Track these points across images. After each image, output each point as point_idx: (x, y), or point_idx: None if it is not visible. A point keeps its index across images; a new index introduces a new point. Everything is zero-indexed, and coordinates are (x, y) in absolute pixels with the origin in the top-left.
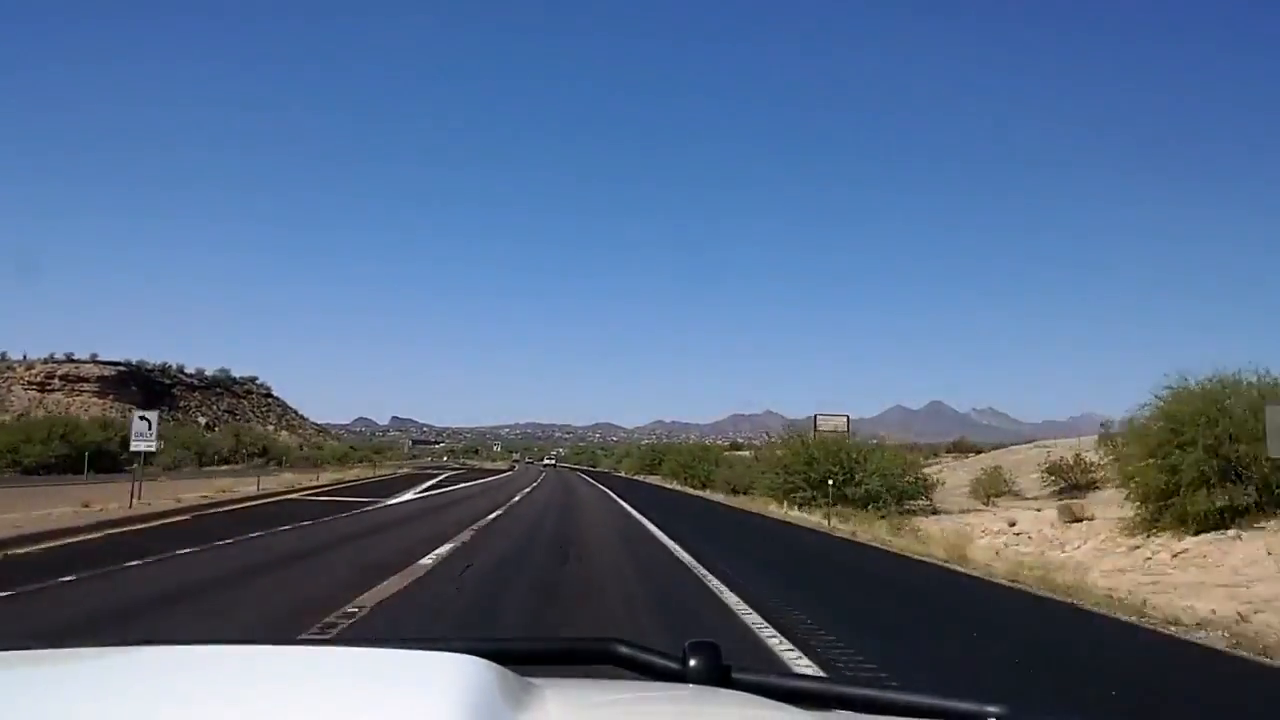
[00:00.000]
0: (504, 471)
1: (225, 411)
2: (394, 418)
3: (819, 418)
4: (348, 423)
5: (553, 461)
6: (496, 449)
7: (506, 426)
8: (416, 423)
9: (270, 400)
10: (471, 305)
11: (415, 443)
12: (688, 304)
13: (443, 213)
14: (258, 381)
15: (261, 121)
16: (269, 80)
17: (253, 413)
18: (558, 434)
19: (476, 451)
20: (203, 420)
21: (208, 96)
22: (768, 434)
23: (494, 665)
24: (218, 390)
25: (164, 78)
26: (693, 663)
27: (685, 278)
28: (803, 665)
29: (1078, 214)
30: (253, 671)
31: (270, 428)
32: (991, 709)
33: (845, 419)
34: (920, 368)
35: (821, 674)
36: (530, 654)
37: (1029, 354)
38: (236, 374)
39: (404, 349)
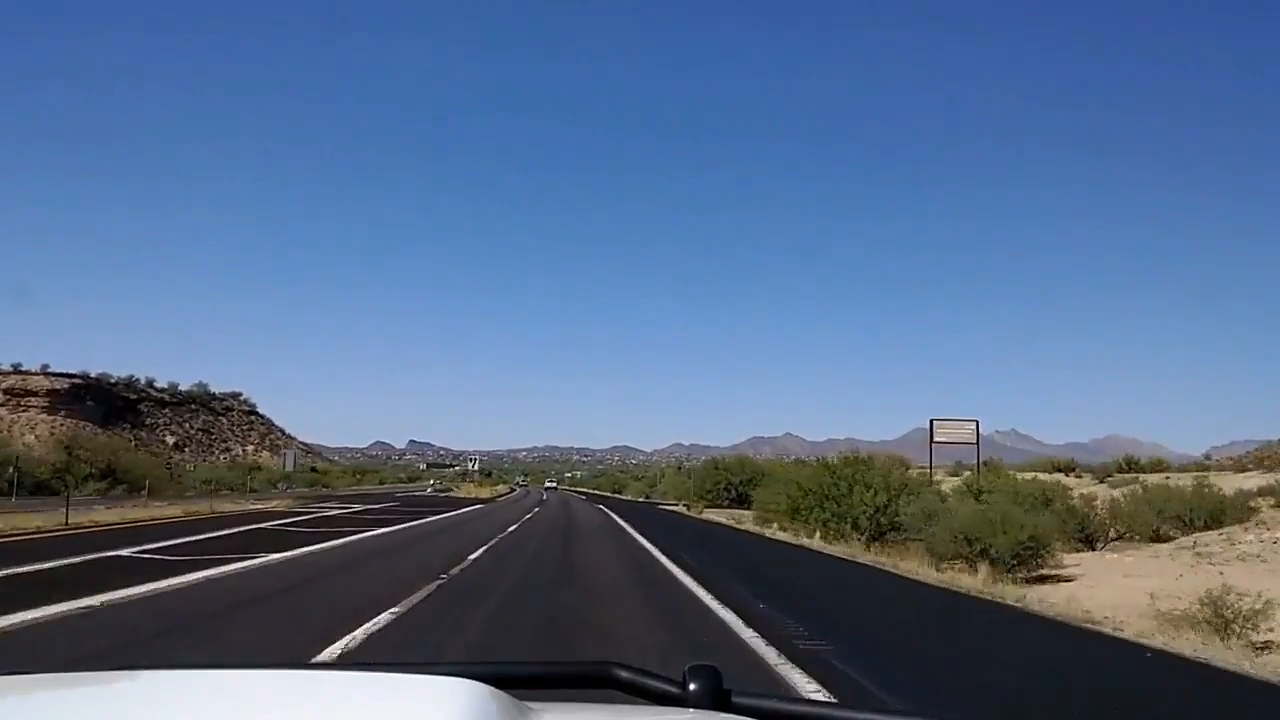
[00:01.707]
0: (474, 504)
1: (199, 430)
2: (411, 441)
3: (936, 425)
4: (365, 446)
5: (554, 485)
6: (472, 467)
7: (524, 450)
8: (434, 446)
9: (254, 418)
10: (489, 330)
11: (430, 465)
12: (706, 327)
13: (459, 237)
14: (241, 398)
15: (271, 153)
16: (278, 101)
17: (232, 432)
18: (575, 457)
19: (489, 474)
20: (171, 440)
21: (217, 100)
22: None
23: (491, 689)
24: (192, 407)
25: (168, 72)
26: (693, 686)
27: (703, 301)
28: None
29: (1100, 234)
30: (251, 695)
31: (250, 448)
32: None
33: (974, 425)
34: (941, 390)
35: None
36: (529, 678)
37: (1051, 376)
38: (217, 389)
39: (423, 373)
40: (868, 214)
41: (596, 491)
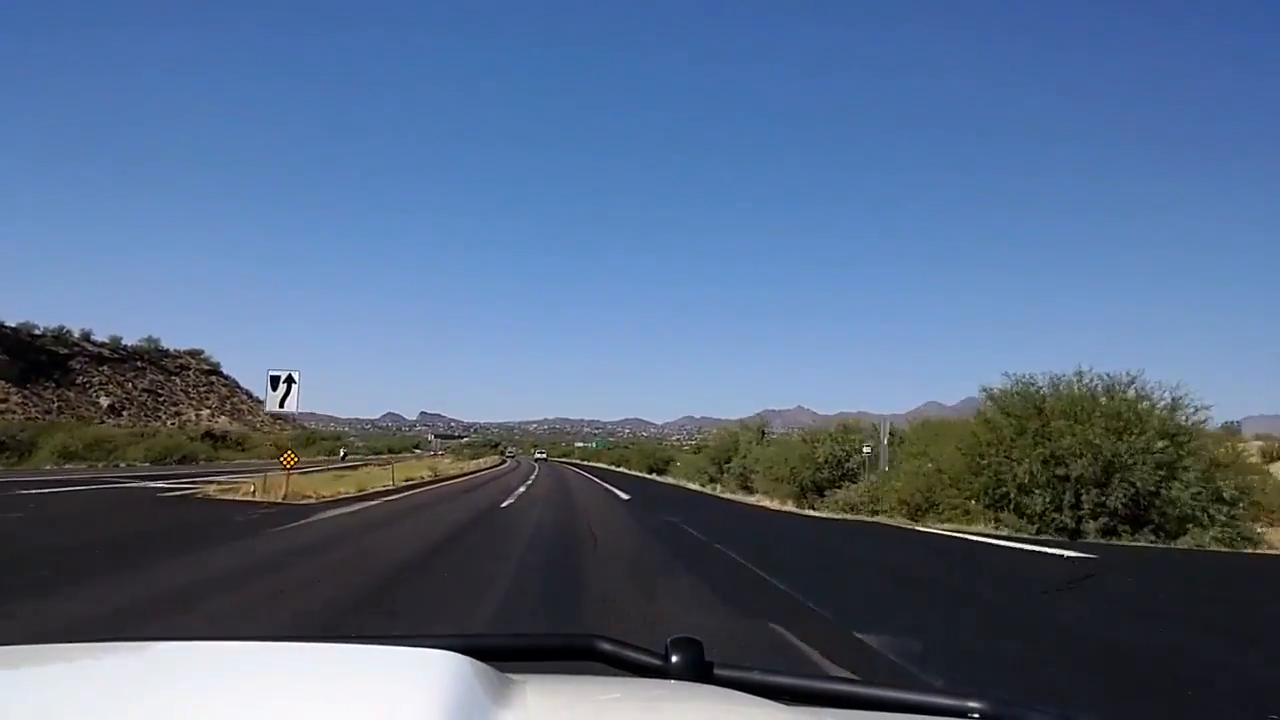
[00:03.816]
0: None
1: (144, 391)
2: (422, 413)
3: None
4: (376, 417)
5: (544, 455)
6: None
7: (535, 421)
8: (444, 418)
9: (214, 379)
10: (502, 303)
11: (439, 436)
12: (718, 301)
13: (472, 210)
14: (201, 355)
15: (283, 114)
16: (301, 71)
17: (185, 394)
18: (586, 429)
19: (495, 446)
20: (105, 401)
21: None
22: None
23: (474, 661)
24: (138, 364)
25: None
26: (675, 659)
27: (716, 275)
28: None
29: (1116, 207)
30: (232, 667)
31: (205, 412)
32: (973, 704)
33: None
34: (954, 364)
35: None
36: (511, 650)
37: (1063, 348)
38: (171, 346)
39: (435, 346)
40: (882, 184)
41: (619, 469)
